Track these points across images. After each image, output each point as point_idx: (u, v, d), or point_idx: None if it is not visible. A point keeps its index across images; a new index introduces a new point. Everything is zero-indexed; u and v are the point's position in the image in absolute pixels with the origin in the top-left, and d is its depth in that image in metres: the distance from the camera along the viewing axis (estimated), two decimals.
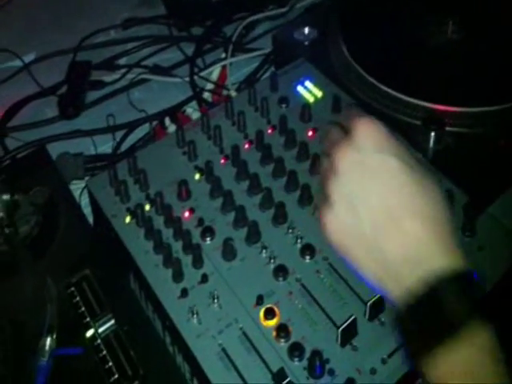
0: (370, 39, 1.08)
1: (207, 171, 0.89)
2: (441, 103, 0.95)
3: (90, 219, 0.93)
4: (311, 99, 0.99)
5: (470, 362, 0.54)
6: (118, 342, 0.74)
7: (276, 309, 0.74)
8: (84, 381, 0.73)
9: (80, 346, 0.74)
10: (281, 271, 0.77)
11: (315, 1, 1.34)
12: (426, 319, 0.55)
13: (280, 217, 0.83)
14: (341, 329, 0.70)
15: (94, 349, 0.74)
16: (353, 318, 0.70)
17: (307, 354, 0.70)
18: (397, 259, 0.57)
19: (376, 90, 1.00)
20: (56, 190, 0.91)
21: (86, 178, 1.04)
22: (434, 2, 1.11)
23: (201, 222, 0.84)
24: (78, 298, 0.78)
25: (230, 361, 0.70)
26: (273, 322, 0.73)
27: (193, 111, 1.07)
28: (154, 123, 1.10)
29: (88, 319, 0.76)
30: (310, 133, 0.94)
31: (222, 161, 0.91)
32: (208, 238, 0.82)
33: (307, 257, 0.79)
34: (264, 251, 0.80)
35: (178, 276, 0.78)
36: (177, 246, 0.81)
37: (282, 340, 0.71)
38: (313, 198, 0.85)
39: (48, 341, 0.70)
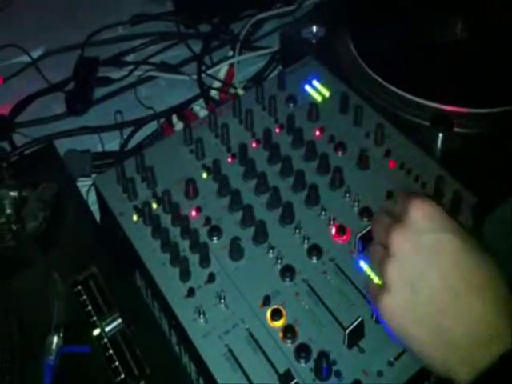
0: (378, 38, 1.07)
1: (215, 170, 0.89)
2: (449, 104, 0.94)
3: (97, 216, 0.93)
4: (319, 98, 0.99)
5: None
6: (124, 341, 0.74)
7: (283, 309, 0.74)
8: (90, 380, 0.73)
9: (87, 345, 0.74)
10: (288, 271, 0.77)
11: None
12: None
13: (287, 217, 0.83)
14: (348, 331, 0.69)
15: (100, 348, 0.74)
16: (360, 319, 0.70)
17: (314, 356, 0.70)
18: (463, 339, 0.58)
19: (384, 90, 0.99)
20: (63, 186, 0.91)
21: (93, 175, 1.04)
22: (444, 2, 1.11)
23: (208, 220, 0.84)
24: (84, 297, 0.78)
25: (237, 361, 0.70)
26: (279, 323, 0.73)
27: (200, 109, 1.07)
28: (162, 120, 1.09)
29: (95, 318, 0.76)
30: (318, 132, 0.94)
31: (230, 159, 0.91)
32: (215, 237, 0.82)
33: (314, 257, 0.79)
34: (271, 251, 0.80)
35: (185, 275, 0.78)
36: (184, 245, 0.81)
37: (289, 341, 0.71)
38: (320, 198, 0.85)
39: (55, 339, 0.70)
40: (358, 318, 0.71)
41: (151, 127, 1.13)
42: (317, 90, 1.00)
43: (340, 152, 0.91)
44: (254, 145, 0.93)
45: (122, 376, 0.73)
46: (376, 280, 0.74)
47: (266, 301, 0.75)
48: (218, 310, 0.75)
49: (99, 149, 1.11)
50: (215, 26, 1.30)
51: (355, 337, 0.71)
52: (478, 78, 0.98)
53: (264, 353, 0.71)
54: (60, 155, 0.99)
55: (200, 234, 0.82)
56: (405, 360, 0.70)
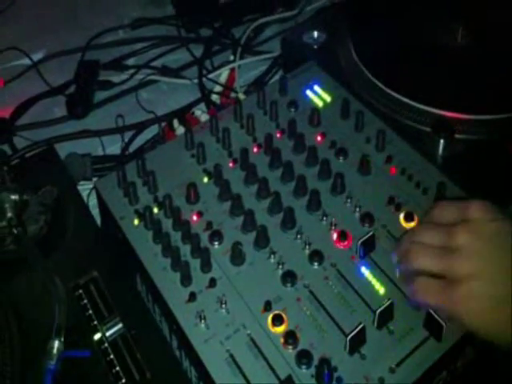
0: (379, 44, 1.08)
1: (216, 174, 0.89)
2: (450, 110, 0.94)
3: (98, 220, 0.93)
4: (320, 103, 0.99)
5: None
6: (125, 346, 0.74)
7: (284, 315, 0.74)
8: None
9: (87, 349, 0.74)
10: (289, 277, 0.77)
11: (325, 4, 1.34)
12: None
13: (288, 222, 0.83)
14: (349, 337, 0.69)
15: (101, 352, 0.74)
16: (361, 326, 0.70)
17: (315, 362, 0.70)
18: None
19: (385, 95, 0.99)
20: (64, 190, 0.91)
21: (94, 179, 1.04)
22: (445, 7, 1.11)
23: (209, 225, 0.84)
24: (85, 301, 0.78)
25: (238, 367, 0.70)
26: (281, 329, 0.73)
27: (201, 113, 1.07)
28: (163, 124, 1.09)
29: (95, 322, 0.76)
30: (319, 137, 0.94)
31: (231, 164, 0.91)
32: (216, 242, 0.82)
33: (315, 263, 0.79)
34: (272, 256, 0.80)
35: (186, 280, 0.78)
36: (185, 250, 0.81)
37: (290, 347, 0.71)
38: (321, 203, 0.85)
39: (56, 344, 0.70)
40: (359, 324, 0.71)
41: (152, 131, 1.13)
42: (318, 95, 1.00)
43: (341, 157, 0.91)
44: (255, 150, 0.93)
45: (123, 381, 0.73)
46: (378, 286, 0.75)
47: (268, 306, 0.75)
48: (219, 315, 0.75)
49: (100, 152, 1.11)
50: (216, 30, 1.30)
51: (356, 343, 0.70)
52: (480, 84, 0.98)
53: (265, 358, 0.71)
54: (61, 158, 0.99)
55: (201, 239, 0.82)
56: (406, 367, 0.70)
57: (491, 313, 0.64)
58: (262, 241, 0.81)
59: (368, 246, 0.79)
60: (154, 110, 1.17)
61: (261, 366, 0.70)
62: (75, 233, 0.87)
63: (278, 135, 0.94)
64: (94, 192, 0.94)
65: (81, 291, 0.79)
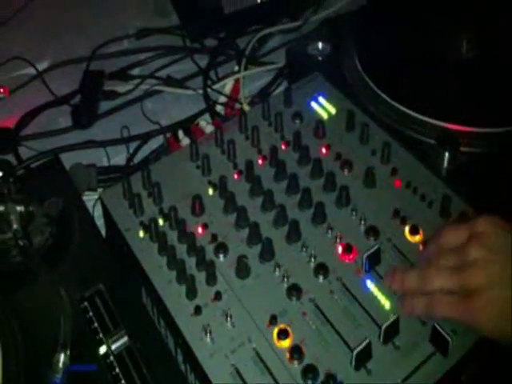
0: (383, 55, 1.08)
1: (221, 186, 0.89)
2: (455, 123, 0.95)
3: (103, 231, 0.93)
4: (325, 115, 0.99)
5: None
6: (130, 360, 0.74)
7: (289, 329, 0.74)
8: None
9: (93, 362, 0.74)
10: (294, 290, 0.77)
11: (329, 15, 1.34)
12: None
13: (294, 235, 0.83)
14: (355, 352, 0.69)
15: (107, 366, 0.74)
16: (367, 341, 0.70)
17: (321, 377, 0.70)
18: None
19: (390, 107, 1.00)
20: (69, 201, 0.91)
21: (99, 189, 1.04)
22: (450, 20, 1.11)
23: (214, 237, 0.84)
24: (91, 314, 0.78)
25: (243, 381, 0.70)
26: (286, 343, 0.73)
27: (206, 124, 1.07)
28: (168, 135, 1.10)
29: (101, 335, 0.76)
30: (324, 149, 0.94)
31: (236, 176, 0.91)
32: (221, 255, 0.82)
33: (321, 276, 0.79)
34: (278, 269, 0.80)
35: (191, 293, 0.77)
36: (190, 262, 0.81)
37: (296, 362, 0.71)
38: (326, 216, 0.85)
39: (62, 357, 0.70)
40: (365, 339, 0.71)
41: (157, 141, 1.13)
42: (323, 107, 1.00)
43: (346, 170, 0.91)
44: (260, 161, 0.93)
45: None
46: (383, 301, 0.75)
47: (273, 320, 0.75)
48: (224, 329, 0.75)
49: (105, 162, 1.11)
50: (221, 40, 1.30)
51: (362, 358, 0.70)
52: (484, 97, 0.98)
53: (271, 373, 0.71)
54: (66, 169, 0.99)
55: (206, 251, 0.81)
56: (412, 382, 0.70)
57: (510, 315, 0.67)
58: (267, 254, 0.81)
59: (373, 260, 0.79)
60: (159, 120, 1.17)
61: (266, 381, 0.70)
62: (80, 244, 0.87)
63: (283, 147, 0.95)
64: (98, 202, 0.94)
65: (86, 304, 0.79)
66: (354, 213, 0.85)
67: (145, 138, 1.12)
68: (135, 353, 0.75)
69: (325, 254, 0.81)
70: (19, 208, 0.84)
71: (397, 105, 0.99)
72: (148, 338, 0.77)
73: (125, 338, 0.75)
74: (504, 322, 0.67)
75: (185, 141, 1.03)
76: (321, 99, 1.01)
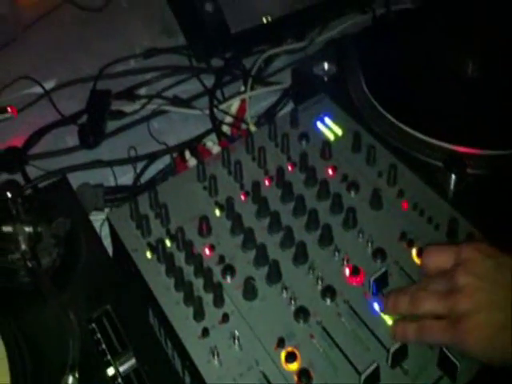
0: (389, 76, 1.08)
1: (228, 208, 0.89)
2: (462, 145, 0.95)
3: (109, 250, 0.93)
4: (331, 136, 1.00)
5: None
6: (138, 382, 0.74)
7: (297, 352, 0.74)
8: None
9: None
10: (302, 313, 0.77)
11: (334, 35, 1.35)
12: None
13: (301, 256, 0.83)
14: (363, 376, 0.69)
15: None
16: (376, 365, 0.70)
17: None
18: None
19: (396, 129, 1.00)
20: (77, 221, 0.91)
21: (106, 209, 1.04)
22: (456, 41, 1.11)
23: (221, 259, 0.84)
24: (98, 335, 0.78)
25: None
26: (294, 366, 0.73)
27: (213, 145, 1.08)
28: (174, 155, 1.10)
29: (109, 357, 0.76)
30: (331, 171, 0.94)
31: (243, 197, 0.91)
32: (228, 277, 0.82)
33: (328, 299, 0.79)
34: (285, 292, 0.80)
35: (199, 315, 0.78)
36: (198, 284, 0.81)
37: None
38: (334, 238, 0.85)
39: (70, 379, 0.70)
40: (373, 363, 0.71)
41: (164, 161, 1.14)
42: (329, 128, 1.01)
43: (353, 191, 0.91)
44: (266, 183, 0.93)
45: None
46: (391, 324, 0.75)
47: (281, 343, 0.75)
48: (232, 352, 0.75)
49: (112, 181, 1.11)
50: (227, 60, 1.31)
51: (371, 382, 0.70)
52: (491, 119, 0.99)
53: None
54: (73, 189, 0.99)
55: (214, 273, 0.82)
56: None
57: (497, 338, 0.69)
58: (274, 276, 0.81)
59: (381, 283, 0.79)
60: (165, 139, 1.17)
61: None
62: (88, 265, 0.87)
63: (290, 168, 0.95)
64: (105, 222, 0.94)
65: (94, 325, 0.79)
66: (360, 235, 0.86)
67: (151, 157, 1.12)
68: (143, 375, 0.74)
69: (332, 276, 0.81)
70: (27, 229, 0.84)
71: (403, 126, 0.99)
72: (155, 360, 0.77)
73: (132, 360, 0.75)
74: (492, 345, 0.69)
75: (191, 161, 1.04)
76: (327, 120, 1.02)
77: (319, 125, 1.02)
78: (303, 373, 0.72)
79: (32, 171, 1.12)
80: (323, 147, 0.96)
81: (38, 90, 1.28)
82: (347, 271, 0.81)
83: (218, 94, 1.26)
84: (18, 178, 1.09)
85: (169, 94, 1.27)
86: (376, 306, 0.78)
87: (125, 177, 1.12)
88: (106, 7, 1.46)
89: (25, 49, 1.38)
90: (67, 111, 1.23)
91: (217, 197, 0.92)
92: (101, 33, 1.42)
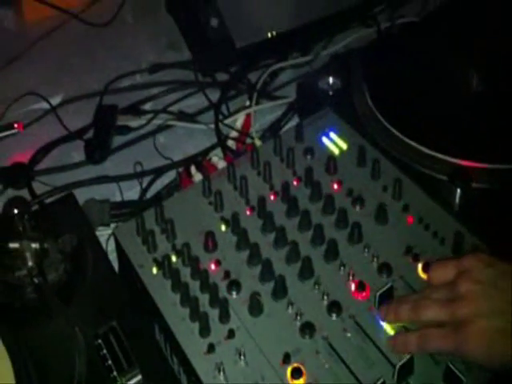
0: (394, 90, 1.09)
1: (233, 223, 0.89)
2: (467, 159, 0.95)
3: (115, 264, 0.94)
4: (336, 151, 1.00)
5: None
6: None
7: (303, 368, 0.74)
8: None
9: None
10: (307, 328, 0.77)
11: (339, 49, 1.35)
12: None
13: (306, 271, 0.83)
14: None
15: None
16: (382, 381, 0.70)
17: None
18: None
19: (401, 143, 1.00)
20: (83, 237, 0.91)
21: (112, 225, 1.05)
22: (461, 55, 1.11)
23: (227, 274, 0.84)
24: (104, 351, 0.78)
25: None
26: (300, 382, 0.73)
27: (218, 160, 1.08)
28: (180, 170, 1.11)
29: (115, 373, 0.76)
30: (336, 186, 0.94)
31: (248, 212, 0.92)
32: (234, 292, 0.82)
33: (334, 314, 0.79)
34: (290, 307, 0.80)
35: (204, 330, 0.78)
36: (204, 299, 0.81)
37: None
38: (339, 253, 0.85)
39: None
40: (379, 379, 0.71)
41: (169, 176, 1.14)
42: (334, 143, 1.01)
43: (358, 206, 0.91)
44: (272, 197, 0.93)
45: None
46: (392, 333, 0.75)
47: (286, 358, 0.75)
48: (237, 368, 0.75)
49: (118, 196, 1.12)
50: (232, 75, 1.31)
51: None
52: (496, 132, 0.99)
53: None
54: (79, 205, 1.00)
55: (219, 288, 0.82)
56: None
57: (498, 343, 0.70)
58: (279, 291, 0.81)
59: (386, 298, 0.79)
60: (171, 154, 1.18)
61: None
62: (94, 281, 0.88)
63: (295, 183, 0.95)
64: (111, 237, 0.95)
65: (100, 341, 0.80)
66: (366, 249, 0.86)
67: (157, 172, 1.13)
68: None
69: (337, 291, 0.82)
70: (34, 245, 0.85)
71: (408, 140, 0.99)
72: (161, 376, 0.77)
73: (139, 377, 0.75)
74: (492, 351, 0.70)
75: (197, 176, 1.04)
76: (332, 135, 1.02)
77: (324, 139, 1.02)
78: None
79: (38, 187, 1.12)
80: (328, 162, 0.96)
81: (44, 105, 1.28)
82: (353, 286, 0.82)
83: (224, 108, 1.26)
84: (25, 193, 1.10)
85: (174, 108, 1.28)
86: (382, 322, 0.78)
87: (131, 191, 1.13)
88: (111, 22, 1.47)
89: (31, 64, 1.38)
90: (73, 127, 1.23)
91: (222, 212, 0.92)
92: (107, 48, 1.43)
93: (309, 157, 0.99)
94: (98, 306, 0.85)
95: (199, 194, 0.95)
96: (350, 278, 0.83)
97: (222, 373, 0.74)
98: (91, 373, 0.75)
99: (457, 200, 0.92)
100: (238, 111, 1.24)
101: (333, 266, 0.85)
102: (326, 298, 0.81)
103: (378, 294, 0.78)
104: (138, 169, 1.14)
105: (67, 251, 0.87)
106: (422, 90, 1.08)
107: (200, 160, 1.11)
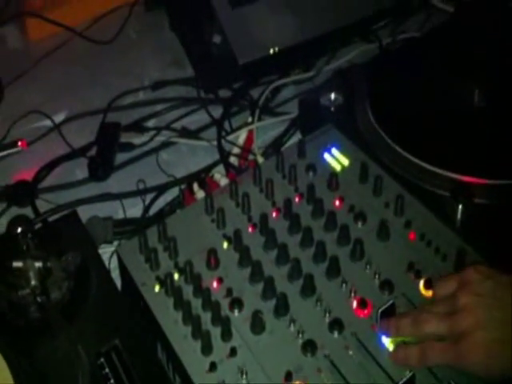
0: (396, 106, 1.09)
1: (236, 240, 0.89)
2: (469, 175, 0.95)
3: (117, 281, 0.94)
4: (338, 167, 1.00)
5: None
6: None
7: None
8: None
9: None
10: (309, 346, 0.77)
11: (341, 65, 1.36)
12: None
13: (308, 289, 0.83)
14: None
15: None
16: None
17: None
18: None
19: (403, 159, 1.00)
20: (86, 255, 0.91)
21: (115, 242, 1.05)
22: (463, 72, 1.11)
23: (229, 292, 0.85)
24: (107, 370, 0.78)
25: None
26: None
27: (221, 177, 1.08)
28: (182, 187, 1.11)
29: None
30: (338, 202, 0.94)
31: (250, 229, 0.92)
32: (236, 310, 0.82)
33: (336, 332, 0.79)
34: (292, 325, 0.80)
35: (206, 349, 0.78)
36: (205, 317, 0.81)
37: None
38: (341, 270, 0.85)
39: None
40: None
41: (172, 192, 1.15)
42: (336, 159, 1.01)
43: (360, 222, 0.91)
44: (274, 214, 0.94)
45: None
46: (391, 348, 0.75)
47: (288, 376, 0.75)
48: None
49: (121, 213, 1.12)
50: (235, 91, 1.32)
51: None
52: (498, 148, 0.99)
53: None
54: (83, 223, 1.00)
55: (221, 306, 0.82)
56: None
57: (496, 354, 0.71)
58: (281, 309, 0.81)
59: (388, 315, 0.79)
60: (174, 171, 1.18)
61: None
62: (97, 299, 0.88)
63: (297, 199, 0.95)
64: (114, 255, 0.95)
65: (102, 359, 0.80)
66: (368, 266, 0.86)
67: (160, 190, 1.13)
68: None
69: (339, 308, 0.82)
70: (38, 264, 0.85)
71: (410, 156, 0.99)
72: None
73: None
74: (492, 362, 0.71)
75: (200, 193, 1.04)
76: (334, 151, 1.02)
77: (326, 156, 1.02)
78: None
79: (42, 204, 1.13)
80: (330, 178, 0.97)
81: (47, 123, 1.29)
82: (355, 303, 0.82)
83: (226, 124, 1.27)
84: (28, 211, 1.11)
85: (177, 125, 1.28)
86: (384, 339, 0.78)
87: (134, 209, 1.13)
88: (115, 40, 1.48)
89: (35, 82, 1.39)
90: (77, 144, 1.24)
91: (225, 229, 0.92)
92: (110, 65, 1.44)
93: (311, 173, 0.99)
94: (101, 324, 0.85)
95: (202, 211, 0.95)
96: (352, 295, 0.83)
97: None
98: None
99: (459, 216, 0.92)
100: (240, 128, 1.24)
101: (335, 283, 0.85)
102: (327, 315, 0.81)
103: (380, 311, 0.78)
104: (141, 186, 1.14)
105: (70, 270, 0.88)
106: (423, 106, 1.08)
107: (202, 177, 1.11)
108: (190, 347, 0.79)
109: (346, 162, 1.01)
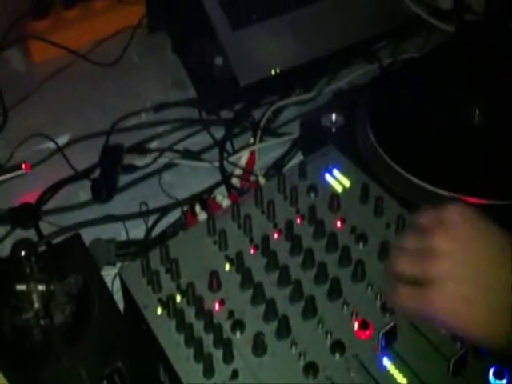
0: (397, 127, 1.09)
1: (237, 262, 0.90)
2: (470, 195, 0.95)
3: (120, 303, 0.94)
4: (339, 188, 1.01)
5: None
6: None
7: None
8: None
9: None
10: (311, 368, 0.78)
11: (342, 86, 1.37)
12: None
13: (309, 311, 0.84)
14: None
15: None
16: None
17: None
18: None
19: (404, 180, 1.01)
20: (89, 277, 0.92)
21: (118, 264, 1.06)
22: (464, 91, 1.12)
23: (231, 314, 0.85)
24: None
25: None
26: None
27: (223, 198, 1.09)
28: (185, 208, 1.12)
29: None
30: (339, 223, 0.95)
31: (252, 251, 0.92)
32: (238, 332, 0.83)
33: (337, 354, 0.79)
34: (294, 347, 0.80)
35: (208, 371, 0.78)
36: (207, 340, 0.82)
37: None
38: (342, 291, 0.86)
39: None
40: None
41: (174, 214, 1.15)
42: (337, 180, 1.02)
43: (361, 243, 0.92)
44: (275, 236, 0.94)
45: None
46: (400, 379, 0.75)
47: None
48: None
49: (123, 235, 1.13)
50: (237, 112, 1.33)
51: None
52: (499, 169, 0.99)
53: None
54: (86, 245, 1.01)
55: (223, 328, 0.82)
56: None
57: (465, 314, 0.67)
58: (283, 331, 0.82)
59: (390, 337, 0.79)
60: (176, 192, 1.19)
61: None
62: (99, 322, 0.88)
63: (298, 221, 0.96)
64: (117, 276, 0.96)
65: (105, 382, 0.80)
66: (369, 288, 0.86)
67: (162, 211, 1.14)
68: None
69: (341, 330, 0.82)
70: (41, 287, 0.86)
71: (411, 177, 1.00)
72: None
73: None
74: (456, 318, 0.67)
75: (202, 215, 1.05)
76: (335, 172, 1.03)
77: (327, 177, 1.03)
78: None
79: (46, 227, 1.13)
80: (331, 199, 0.97)
81: (51, 145, 1.30)
82: (356, 325, 0.82)
83: (228, 145, 1.28)
84: (32, 233, 1.11)
85: (179, 146, 1.29)
86: (385, 361, 0.78)
87: (136, 230, 1.13)
88: (117, 62, 1.49)
89: (38, 105, 1.40)
90: (80, 166, 1.25)
91: (227, 251, 0.93)
92: (113, 87, 1.45)
93: (312, 194, 1.00)
94: (104, 346, 0.85)
95: (204, 233, 0.95)
96: (354, 316, 0.83)
97: None
98: None
99: None
100: (242, 149, 1.25)
101: (336, 304, 0.85)
102: (329, 337, 0.81)
103: (381, 332, 0.78)
104: (144, 208, 1.15)
105: (73, 293, 0.88)
106: (424, 126, 1.09)
107: (204, 198, 1.11)
108: (192, 369, 0.79)
109: (347, 182, 1.01)
